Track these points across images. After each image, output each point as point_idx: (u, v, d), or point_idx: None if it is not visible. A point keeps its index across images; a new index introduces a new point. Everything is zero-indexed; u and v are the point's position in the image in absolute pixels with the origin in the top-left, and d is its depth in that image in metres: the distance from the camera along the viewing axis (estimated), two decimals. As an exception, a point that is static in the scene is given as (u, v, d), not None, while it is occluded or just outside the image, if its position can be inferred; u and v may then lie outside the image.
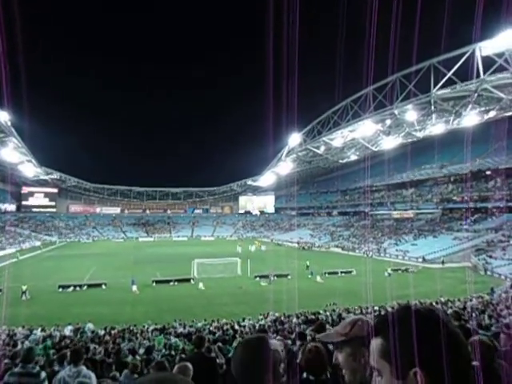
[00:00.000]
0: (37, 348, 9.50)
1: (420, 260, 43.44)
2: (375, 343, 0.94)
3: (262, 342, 1.44)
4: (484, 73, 33.67)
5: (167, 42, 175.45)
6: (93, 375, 4.54)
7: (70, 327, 16.09)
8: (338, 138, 58.40)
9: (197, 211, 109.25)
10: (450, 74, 35.81)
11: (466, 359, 0.83)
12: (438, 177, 63.66)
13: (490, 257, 39.33)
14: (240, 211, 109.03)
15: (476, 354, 2.97)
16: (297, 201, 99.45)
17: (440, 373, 0.79)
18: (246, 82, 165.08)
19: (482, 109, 44.10)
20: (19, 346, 10.80)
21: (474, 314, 11.86)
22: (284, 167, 78.61)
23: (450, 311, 13.19)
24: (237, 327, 15.05)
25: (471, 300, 17.90)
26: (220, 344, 9.56)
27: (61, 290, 28.93)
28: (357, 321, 1.46)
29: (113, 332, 14.80)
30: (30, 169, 70.91)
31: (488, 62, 33.24)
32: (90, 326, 16.67)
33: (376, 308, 16.75)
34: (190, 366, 3.30)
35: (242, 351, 1.43)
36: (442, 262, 40.96)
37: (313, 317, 15.60)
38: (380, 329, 0.93)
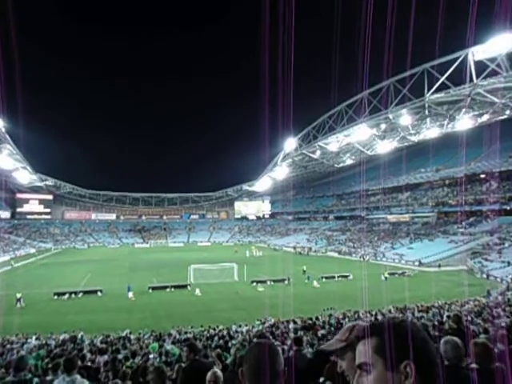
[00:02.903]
0: (30, 357, 9.37)
1: (416, 263, 43.51)
2: (370, 341, 1.05)
3: (275, 347, 1.52)
4: (477, 77, 34.01)
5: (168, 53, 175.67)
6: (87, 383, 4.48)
7: (64, 335, 15.88)
8: (333, 143, 58.67)
9: (193, 217, 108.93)
10: (443, 79, 36.15)
11: (431, 359, 1.00)
12: (433, 180, 63.92)
13: (486, 260, 39.49)
14: (236, 216, 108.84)
15: (475, 357, 2.97)
16: (293, 205, 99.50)
17: (422, 367, 0.96)
18: (241, 87, 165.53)
19: (476, 113, 44.54)
20: (14, 356, 10.68)
21: (470, 317, 11.87)
22: (280, 172, 78.77)
23: (446, 314, 13.22)
24: (233, 333, 14.96)
25: (468, 303, 17.92)
26: (218, 350, 9.49)
27: (56, 297, 28.63)
28: (354, 326, 1.53)
29: (108, 339, 14.64)
30: (24, 175, 70.51)
31: (481, 67, 33.61)
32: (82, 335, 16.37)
33: (373, 312, 16.73)
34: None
35: (258, 352, 1.48)
36: (439, 266, 41.06)
37: (310, 322, 15.55)
38: (375, 330, 1.06)
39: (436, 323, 10.76)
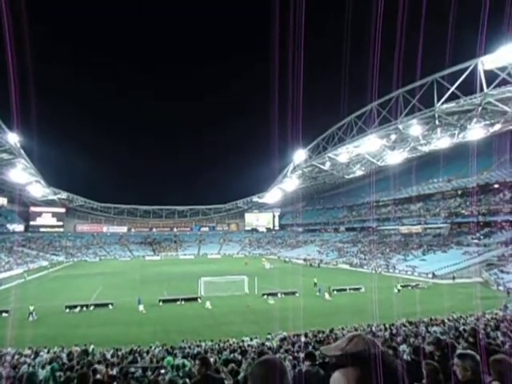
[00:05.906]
0: (42, 372, 9.37)
1: (430, 276, 42.69)
2: (352, 372, 1.15)
3: (281, 362, 1.49)
4: (487, 86, 33.81)
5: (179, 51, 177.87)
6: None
7: (76, 348, 15.89)
8: (343, 154, 58.54)
9: (203, 229, 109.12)
10: (453, 89, 36.01)
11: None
12: (445, 191, 63.10)
13: (502, 271, 38.61)
14: (246, 228, 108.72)
15: (497, 375, 2.87)
16: (303, 217, 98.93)
17: None
18: (251, 99, 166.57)
19: (487, 122, 44.07)
20: (25, 369, 10.70)
21: (486, 331, 11.55)
22: (290, 183, 78.67)
23: (462, 328, 12.89)
24: (245, 347, 14.78)
25: (484, 316, 17.47)
26: (233, 365, 9.38)
27: (68, 310, 28.76)
28: (354, 337, 1.51)
29: (119, 353, 14.60)
30: (38, 189, 71.66)
31: (491, 76, 33.44)
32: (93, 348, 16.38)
33: (387, 326, 16.41)
34: None
35: (263, 368, 1.45)
36: (453, 278, 40.23)
37: (322, 335, 15.31)
38: (355, 361, 1.16)
39: (452, 337, 10.49)
